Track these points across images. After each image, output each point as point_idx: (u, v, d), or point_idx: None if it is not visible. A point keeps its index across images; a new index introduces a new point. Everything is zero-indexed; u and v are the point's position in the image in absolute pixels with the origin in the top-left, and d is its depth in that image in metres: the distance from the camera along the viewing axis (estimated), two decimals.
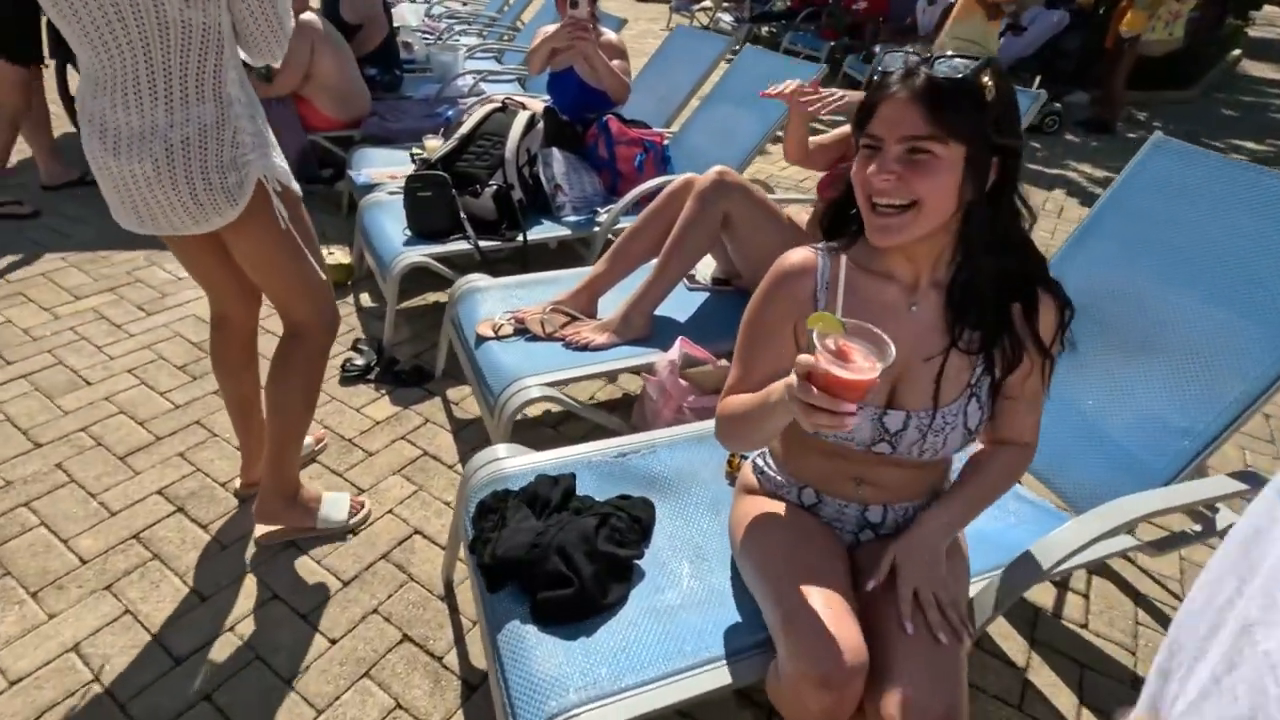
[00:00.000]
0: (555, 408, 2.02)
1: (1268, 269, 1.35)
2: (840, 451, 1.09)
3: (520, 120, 2.55)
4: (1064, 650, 1.56)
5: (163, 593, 1.52)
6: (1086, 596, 1.69)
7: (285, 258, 1.44)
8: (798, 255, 1.07)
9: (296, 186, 1.43)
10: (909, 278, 1.02)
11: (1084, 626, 1.62)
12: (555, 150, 2.69)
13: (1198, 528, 1.51)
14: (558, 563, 1.15)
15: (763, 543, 1.11)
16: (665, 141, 2.94)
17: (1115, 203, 1.62)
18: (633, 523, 1.30)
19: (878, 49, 6.69)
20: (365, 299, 2.68)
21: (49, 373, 2.15)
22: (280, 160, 1.36)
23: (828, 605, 0.96)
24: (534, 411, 2.11)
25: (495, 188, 2.43)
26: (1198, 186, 1.50)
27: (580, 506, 1.30)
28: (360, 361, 2.27)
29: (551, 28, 2.87)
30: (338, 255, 2.75)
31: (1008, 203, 0.97)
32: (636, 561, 1.26)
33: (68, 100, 3.67)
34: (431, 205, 2.35)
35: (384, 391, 2.19)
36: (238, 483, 1.77)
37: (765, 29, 8.72)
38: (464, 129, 2.55)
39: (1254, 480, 1.34)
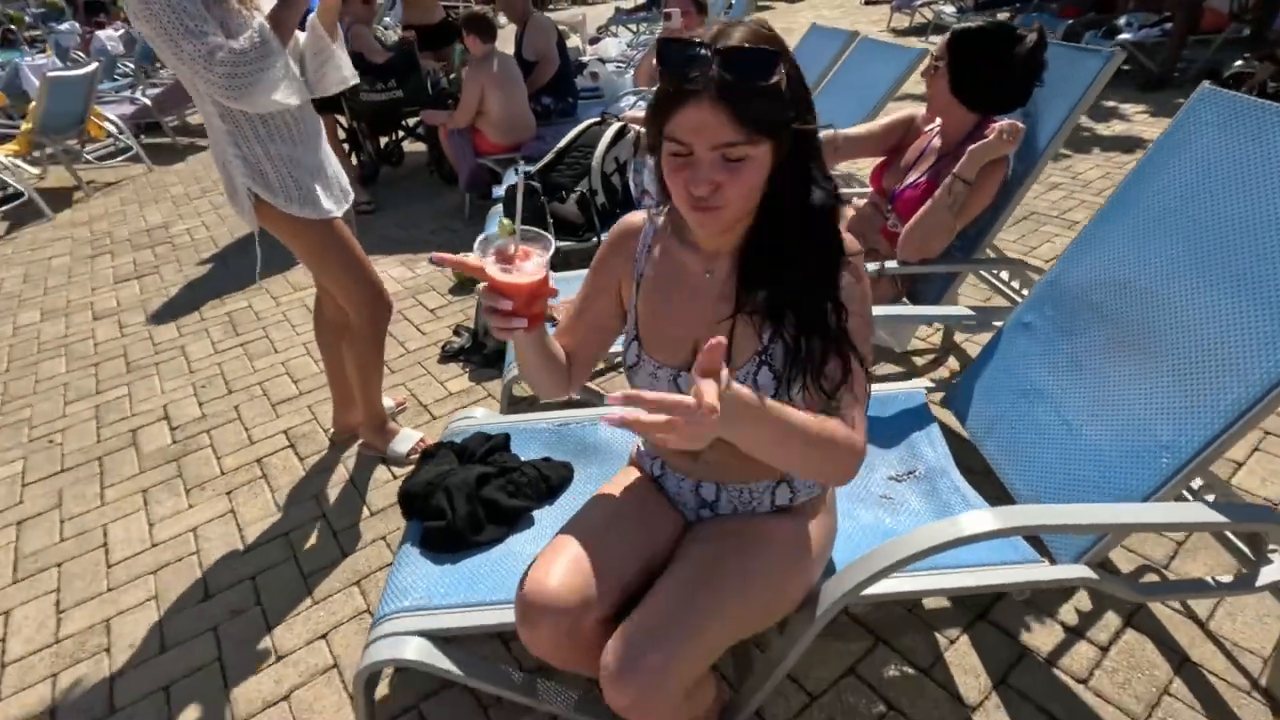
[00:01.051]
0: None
1: None
2: None
3: (609, 132, 2.78)
4: (1038, 700, 1.32)
5: (258, 503, 2.02)
6: (1105, 649, 1.40)
7: (315, 260, 1.81)
8: (633, 218, 1.13)
9: (321, 211, 1.72)
10: (709, 245, 1.02)
11: (1082, 682, 1.34)
12: (650, 158, 2.87)
13: (1226, 577, 1.19)
14: (441, 500, 1.35)
15: (594, 500, 1.19)
16: None
17: (1142, 174, 1.34)
18: (540, 480, 1.44)
19: (1123, 21, 5.69)
20: None
21: (257, 343, 2.91)
22: (296, 192, 1.67)
23: (578, 550, 1.02)
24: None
25: (579, 194, 2.69)
26: (1237, 148, 1.19)
27: (495, 460, 1.47)
28: (457, 344, 2.68)
29: None
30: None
31: (805, 175, 0.92)
32: (535, 512, 1.40)
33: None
34: (524, 211, 2.68)
35: (468, 369, 2.57)
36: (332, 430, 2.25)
37: (1001, 14, 7.87)
38: (562, 142, 2.85)
39: (1261, 515, 1.04)
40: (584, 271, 2.43)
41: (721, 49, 0.82)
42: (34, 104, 5.01)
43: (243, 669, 1.53)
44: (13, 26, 14.14)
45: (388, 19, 7.90)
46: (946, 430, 1.57)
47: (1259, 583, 1.16)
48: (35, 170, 5.28)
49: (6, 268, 4.01)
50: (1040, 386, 1.39)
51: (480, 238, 0.88)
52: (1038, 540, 1.24)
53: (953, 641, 1.45)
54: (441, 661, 1.13)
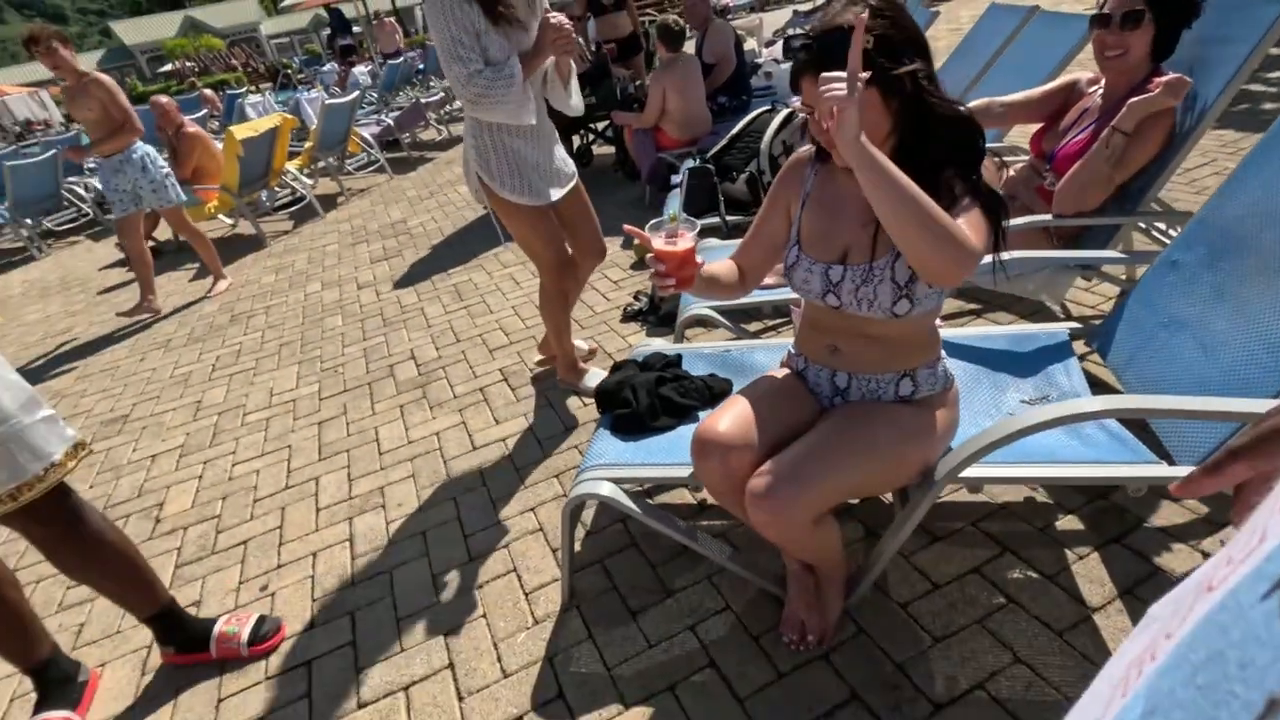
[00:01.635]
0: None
1: None
2: (819, 324, 1.39)
3: (778, 119, 3.04)
4: None
5: (481, 418, 2.55)
6: None
7: (515, 232, 2.26)
8: (802, 153, 1.41)
9: (527, 198, 2.14)
10: None
11: None
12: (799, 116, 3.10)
13: None
14: (628, 395, 1.71)
15: (753, 382, 1.48)
16: None
17: None
18: (705, 389, 1.76)
19: None
20: None
21: (477, 306, 3.54)
22: (508, 180, 2.13)
23: (742, 408, 1.32)
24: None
25: (748, 174, 2.99)
26: None
27: (671, 371, 1.81)
28: (636, 307, 3.09)
29: None
30: None
31: (923, 107, 1.17)
32: (700, 413, 1.72)
33: None
34: (698, 190, 3.03)
35: (644, 328, 2.97)
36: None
37: None
38: (735, 129, 3.17)
39: None
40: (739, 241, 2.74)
41: (814, 35, 1.09)
42: (314, 127, 6.29)
43: (474, 525, 2.01)
44: (288, 72, 17.35)
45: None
46: (1094, 380, 1.66)
47: None
48: (309, 181, 6.61)
49: (295, 253, 5.12)
50: (1181, 317, 1.46)
51: (651, 222, 1.25)
52: (1160, 446, 1.33)
53: (1082, 557, 1.55)
54: (624, 500, 1.48)
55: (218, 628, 1.73)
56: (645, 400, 1.69)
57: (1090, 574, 1.50)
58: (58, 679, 1.65)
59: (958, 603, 1.50)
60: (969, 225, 1.12)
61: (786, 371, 1.49)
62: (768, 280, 2.30)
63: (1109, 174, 1.81)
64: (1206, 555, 1.49)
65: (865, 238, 1.25)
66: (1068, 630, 1.40)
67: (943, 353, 1.38)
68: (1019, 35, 3.01)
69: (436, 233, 4.92)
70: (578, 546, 1.85)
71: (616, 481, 1.51)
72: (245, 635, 1.73)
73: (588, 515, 1.95)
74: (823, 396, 1.43)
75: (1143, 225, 2.16)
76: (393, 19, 11.60)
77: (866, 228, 1.25)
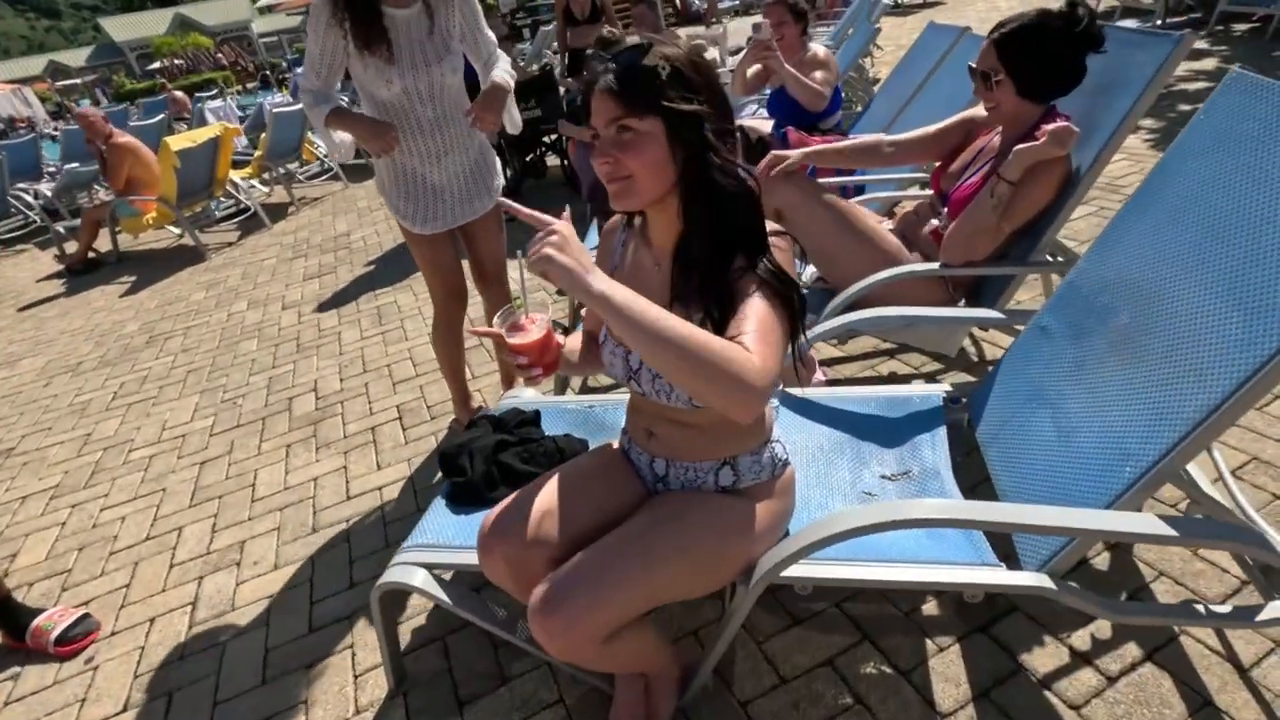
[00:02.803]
0: None
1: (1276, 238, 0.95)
2: (636, 406, 1.26)
3: None
4: (1016, 718, 1.26)
5: (365, 462, 2.40)
6: (1113, 680, 1.30)
7: (412, 253, 2.15)
8: (613, 220, 1.27)
9: (414, 223, 2.02)
10: (658, 242, 1.15)
11: (1075, 708, 1.27)
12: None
13: (1223, 607, 1.09)
14: (465, 461, 1.57)
15: (573, 461, 1.35)
16: None
17: (1164, 166, 1.24)
18: (555, 452, 1.62)
19: None
20: None
21: (393, 332, 3.40)
22: (399, 203, 2.01)
23: (539, 497, 1.18)
24: None
25: None
26: (1254, 139, 1.08)
27: (520, 432, 1.67)
28: None
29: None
30: None
31: (714, 162, 1.01)
32: None
33: None
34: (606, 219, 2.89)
35: None
36: (440, 406, 2.61)
37: None
38: None
39: (1217, 531, 0.96)
40: None
41: (610, 53, 0.97)
42: (264, 135, 6.14)
43: (325, 590, 1.87)
44: (268, 72, 17.18)
45: (524, 46, 8.68)
46: (973, 448, 1.53)
47: (1261, 616, 1.04)
48: (265, 189, 6.45)
49: (232, 267, 4.97)
50: (1044, 392, 1.33)
51: (500, 311, 1.12)
52: (1010, 546, 1.20)
53: (942, 649, 1.41)
54: (437, 591, 1.34)
55: (36, 620, 1.85)
56: (481, 468, 1.55)
57: (948, 671, 1.37)
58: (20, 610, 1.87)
59: (801, 702, 1.37)
60: (757, 336, 0.95)
61: (615, 448, 1.36)
62: None
63: (996, 223, 1.68)
64: (1073, 650, 1.36)
65: None
66: None
67: (773, 438, 1.25)
68: (949, 56, 2.89)
69: (376, 247, 4.77)
70: (422, 619, 1.71)
71: (432, 568, 1.37)
72: (56, 634, 1.82)
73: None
74: (646, 481, 1.29)
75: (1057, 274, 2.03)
76: None
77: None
